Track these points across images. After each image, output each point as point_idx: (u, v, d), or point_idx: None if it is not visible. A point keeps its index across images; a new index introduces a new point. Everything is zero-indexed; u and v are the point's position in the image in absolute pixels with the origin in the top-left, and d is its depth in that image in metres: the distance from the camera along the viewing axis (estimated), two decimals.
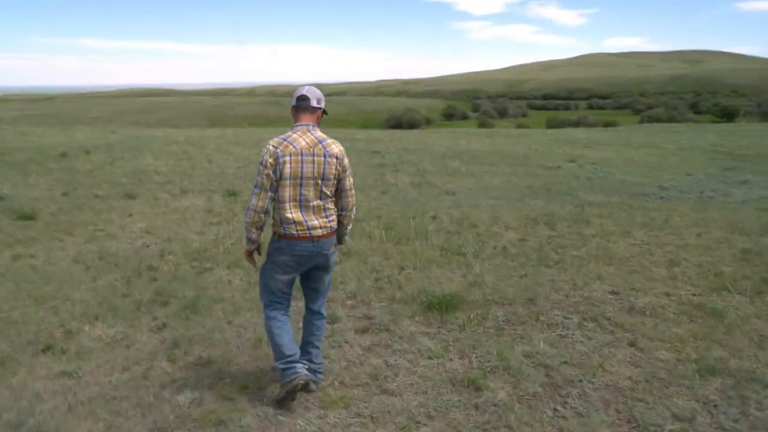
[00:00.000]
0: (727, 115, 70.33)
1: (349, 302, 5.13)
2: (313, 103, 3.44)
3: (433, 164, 14.93)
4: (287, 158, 3.29)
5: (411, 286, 5.46)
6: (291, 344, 3.49)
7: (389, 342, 4.24)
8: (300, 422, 3.30)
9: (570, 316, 4.65)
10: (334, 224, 3.53)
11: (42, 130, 30.73)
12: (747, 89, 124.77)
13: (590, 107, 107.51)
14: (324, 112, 3.52)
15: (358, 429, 3.24)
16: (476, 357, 3.99)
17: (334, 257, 3.67)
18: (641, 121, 58.64)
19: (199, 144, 20.64)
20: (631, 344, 4.12)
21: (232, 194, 10.76)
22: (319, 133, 3.41)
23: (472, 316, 4.61)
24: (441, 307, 4.75)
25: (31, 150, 17.84)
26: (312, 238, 3.39)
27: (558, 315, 4.67)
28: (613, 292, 5.20)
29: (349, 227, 3.71)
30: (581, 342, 4.17)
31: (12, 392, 3.64)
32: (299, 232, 3.37)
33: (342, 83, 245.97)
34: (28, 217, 9.00)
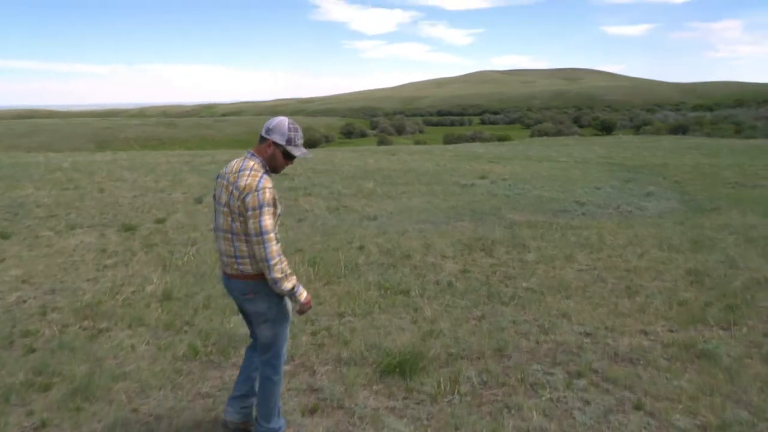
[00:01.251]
0: (606, 128, 75.54)
1: (286, 368, 4.21)
2: (261, 132, 3.17)
3: (346, 186, 14.16)
4: (216, 180, 3.29)
5: (357, 339, 4.64)
6: (239, 382, 3.46)
7: (349, 427, 3.39)
8: None
9: (552, 371, 4.00)
10: (246, 268, 3.08)
11: None
12: (619, 104, 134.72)
13: (483, 122, 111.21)
14: (274, 143, 3.11)
15: None
16: None
17: (260, 307, 3.13)
18: (532, 135, 60.96)
19: (87, 170, 18.73)
20: (638, 407, 3.51)
21: (129, 228, 9.45)
22: (249, 162, 3.13)
23: (441, 380, 3.85)
24: (401, 369, 3.96)
25: None
26: (224, 273, 3.25)
27: (538, 370, 4.01)
28: (585, 334, 4.63)
29: (278, 286, 3.03)
30: (579, 409, 3.52)
31: None
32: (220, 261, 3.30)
33: (238, 102, 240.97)
34: None
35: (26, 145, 53.34)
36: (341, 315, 5.25)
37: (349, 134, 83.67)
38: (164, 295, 5.86)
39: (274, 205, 3.01)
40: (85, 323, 5.22)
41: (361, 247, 7.80)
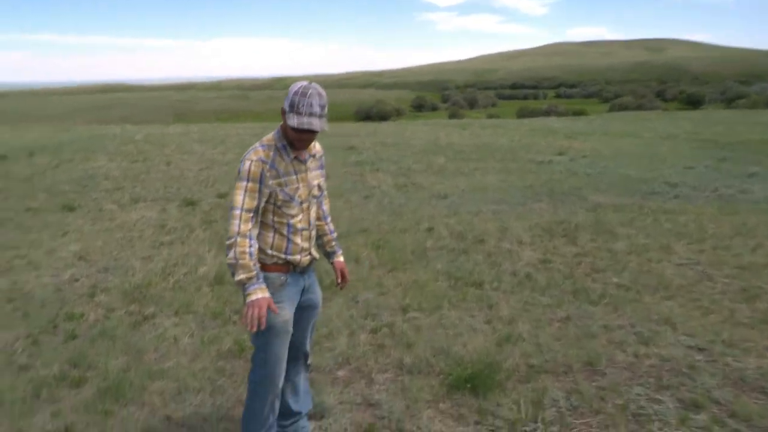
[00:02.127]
0: (693, 103, 70.54)
1: (340, 373, 3.69)
2: None
3: (416, 161, 13.51)
4: None
5: (422, 342, 4.06)
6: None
7: None
8: None
9: (659, 397, 3.29)
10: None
11: None
12: (708, 76, 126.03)
13: (559, 96, 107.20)
14: (282, 111, 2.61)
15: None
16: None
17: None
18: (611, 110, 58.02)
19: (158, 142, 18.89)
20: None
21: (191, 203, 9.20)
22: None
23: (521, 401, 3.22)
24: (473, 384, 3.36)
25: None
26: None
27: (641, 395, 3.31)
28: (697, 348, 3.87)
29: (231, 273, 2.56)
30: None
31: None
32: None
33: (309, 75, 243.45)
34: None
35: (106, 118, 55.21)
36: (405, 309, 4.68)
37: (419, 107, 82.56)
38: (216, 279, 5.46)
39: (260, 182, 2.52)
40: (132, 307, 4.88)
41: (430, 229, 7.19)
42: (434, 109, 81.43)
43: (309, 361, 2.99)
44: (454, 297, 4.90)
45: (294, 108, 2.45)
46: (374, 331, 4.30)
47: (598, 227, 7.19)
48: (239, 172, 2.52)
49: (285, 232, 2.61)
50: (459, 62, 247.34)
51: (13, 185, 11.21)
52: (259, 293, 2.47)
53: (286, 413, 2.91)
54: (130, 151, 16.52)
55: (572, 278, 5.31)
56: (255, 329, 2.45)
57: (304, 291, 2.76)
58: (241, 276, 2.45)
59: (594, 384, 3.45)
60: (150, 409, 3.32)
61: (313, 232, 2.77)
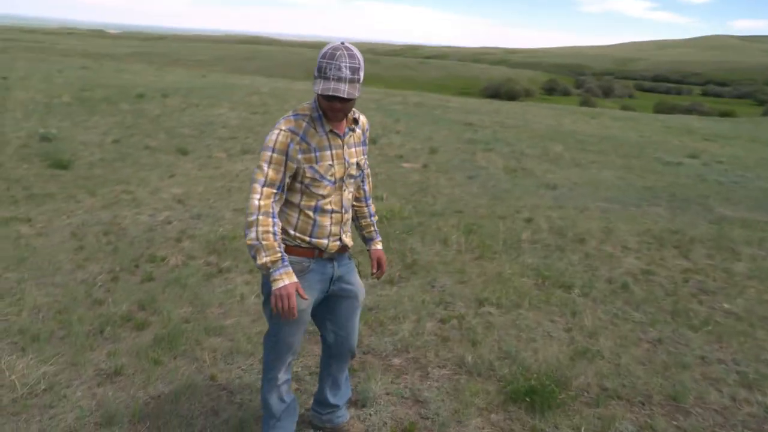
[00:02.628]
0: None
1: (395, 361, 3.49)
2: None
3: (532, 146, 12.90)
4: None
5: (489, 341, 3.77)
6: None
7: None
8: None
9: None
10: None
11: (139, 68, 30.71)
12: None
13: (705, 94, 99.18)
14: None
15: None
16: None
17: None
18: (765, 113, 52.83)
19: (281, 96, 19.42)
20: None
21: None
22: None
23: (583, 428, 2.87)
24: (532, 399, 3.04)
25: (113, 88, 17.19)
26: None
27: None
28: None
29: (251, 255, 2.29)
30: None
31: None
32: None
33: (443, 46, 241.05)
34: (62, 165, 7.92)
35: (245, 68, 57.62)
36: (481, 302, 4.38)
37: (550, 91, 79.50)
38: None
39: (287, 155, 2.24)
40: (211, 258, 4.94)
41: (529, 220, 6.77)
42: (566, 93, 78.09)
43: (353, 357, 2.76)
44: (536, 297, 4.54)
45: (321, 72, 2.14)
46: (443, 321, 4.05)
47: (718, 243, 6.45)
48: (265, 141, 2.26)
49: (312, 213, 2.34)
50: (599, 47, 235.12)
51: (142, 123, 11.90)
52: (286, 278, 2.21)
53: (324, 403, 2.77)
54: (253, 102, 17.07)
55: (675, 296, 4.76)
56: (286, 318, 2.24)
57: (334, 280, 2.47)
58: (264, 259, 2.20)
59: (674, 423, 3.02)
60: (198, 365, 3.30)
61: (347, 216, 2.45)
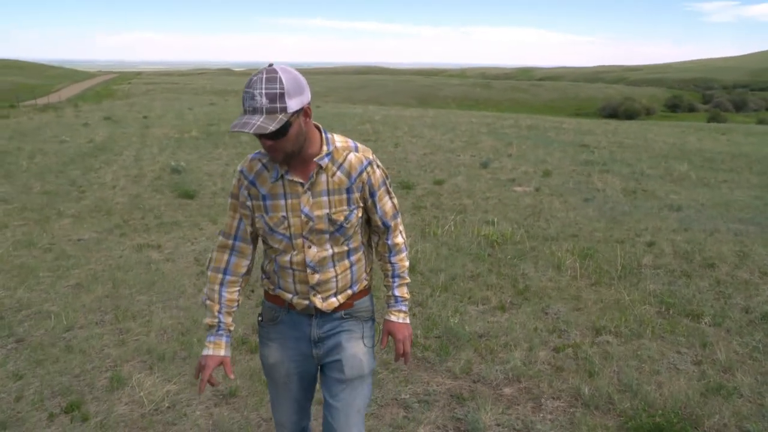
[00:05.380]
0: None
1: (506, 390, 3.36)
2: None
3: (652, 166, 12.21)
4: None
5: (608, 372, 3.54)
6: None
7: None
8: None
9: None
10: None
11: None
12: None
13: None
14: None
15: None
16: None
17: None
18: None
19: (393, 124, 19.78)
20: None
21: (407, 187, 9.37)
22: None
23: None
24: None
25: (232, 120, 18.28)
26: None
27: None
28: None
29: None
30: None
31: None
32: None
33: (556, 67, 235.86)
34: (189, 195, 8.47)
35: (357, 97, 59.42)
36: (598, 331, 4.14)
37: (674, 107, 75.38)
38: (409, 267, 5.41)
39: (237, 198, 1.92)
40: None
41: (650, 244, 6.37)
42: (691, 110, 73.71)
43: None
44: (660, 326, 4.22)
45: (242, 101, 1.71)
46: (557, 349, 3.86)
47: None
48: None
49: (274, 265, 1.97)
50: (730, 59, 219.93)
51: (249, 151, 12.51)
52: (212, 349, 1.93)
53: None
54: (365, 130, 17.49)
55: None
56: (202, 392, 1.98)
57: (315, 342, 1.99)
58: (205, 320, 1.99)
59: None
60: None
61: (321, 276, 1.91)
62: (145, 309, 4.40)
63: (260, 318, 2.06)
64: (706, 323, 4.30)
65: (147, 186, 9.17)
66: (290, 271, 1.91)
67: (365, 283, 2.02)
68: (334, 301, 1.94)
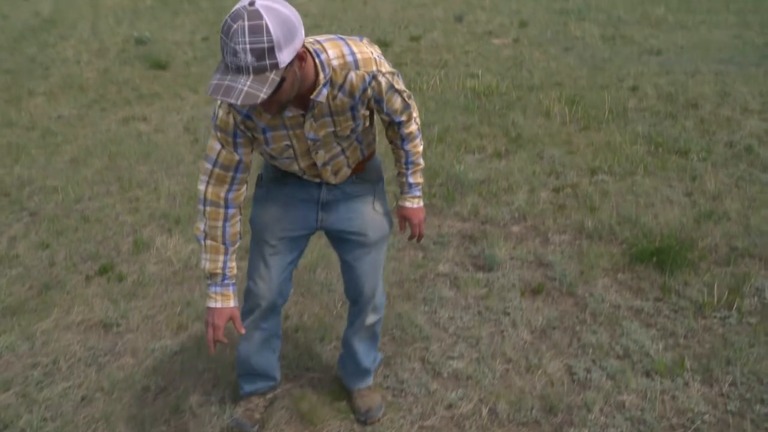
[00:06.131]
0: None
1: (514, 229, 3.56)
2: None
3: (629, 11, 12.00)
4: None
5: (607, 207, 3.74)
6: None
7: (575, 323, 2.69)
8: None
9: None
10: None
11: None
12: None
13: None
14: None
15: None
16: (741, 392, 2.30)
17: None
18: None
19: None
20: None
21: (383, 45, 9.12)
22: None
23: (716, 285, 2.86)
24: (660, 259, 3.05)
25: None
26: None
27: None
28: None
29: None
30: None
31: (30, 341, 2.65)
32: None
33: None
34: (161, 66, 8.15)
35: None
36: (594, 171, 4.32)
37: None
38: None
39: (234, 135, 1.70)
40: None
41: (634, 88, 6.45)
42: None
43: (370, 321, 2.15)
44: (651, 163, 4.41)
45: (221, 50, 1.39)
46: (556, 190, 4.04)
47: None
48: (213, 116, 1.70)
49: (278, 172, 1.88)
50: None
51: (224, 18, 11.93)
52: (219, 300, 1.79)
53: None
54: None
55: None
56: (212, 352, 1.82)
57: (324, 207, 1.91)
58: (205, 265, 1.78)
59: None
60: None
61: (338, 164, 1.81)
62: (149, 178, 4.41)
63: (260, 176, 1.94)
64: (693, 159, 4.50)
65: (114, 59, 8.78)
66: (298, 170, 1.81)
67: (373, 146, 1.92)
68: (346, 171, 1.86)
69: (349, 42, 1.61)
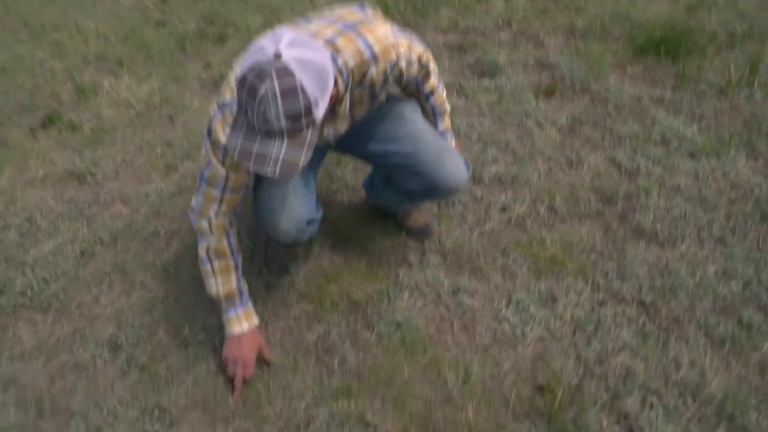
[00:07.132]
0: None
1: (502, 36, 3.27)
2: None
3: None
4: None
5: (592, 5, 3.49)
6: None
7: (601, 117, 2.51)
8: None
9: None
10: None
11: None
12: None
13: None
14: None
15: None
16: None
17: None
18: None
19: None
20: None
21: None
22: None
23: (731, 65, 2.74)
24: (666, 48, 2.88)
25: None
26: None
27: None
28: None
29: None
30: None
31: None
32: None
33: None
34: None
35: None
36: None
37: None
38: None
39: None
40: None
41: None
42: None
43: None
44: None
45: (243, 111, 1.19)
46: None
47: None
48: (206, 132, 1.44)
49: None
50: None
51: None
52: (244, 322, 1.58)
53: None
54: None
55: None
56: (239, 397, 1.56)
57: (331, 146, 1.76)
58: (215, 289, 1.57)
59: None
60: None
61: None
62: (63, 19, 3.75)
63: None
64: None
65: None
66: None
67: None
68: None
69: (362, 30, 1.37)
